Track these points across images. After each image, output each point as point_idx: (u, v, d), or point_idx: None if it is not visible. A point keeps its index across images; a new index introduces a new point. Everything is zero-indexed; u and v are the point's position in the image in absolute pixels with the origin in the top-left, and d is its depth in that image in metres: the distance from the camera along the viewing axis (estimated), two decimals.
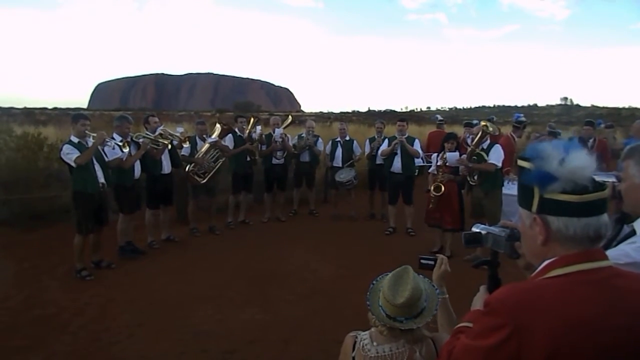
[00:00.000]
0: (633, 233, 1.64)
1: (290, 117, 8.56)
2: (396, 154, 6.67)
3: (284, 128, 7.66)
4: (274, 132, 7.41)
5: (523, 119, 8.19)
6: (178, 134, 6.24)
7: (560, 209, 1.04)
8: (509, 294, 1.05)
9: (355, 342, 1.73)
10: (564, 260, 1.06)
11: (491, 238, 1.39)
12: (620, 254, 1.53)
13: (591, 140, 7.03)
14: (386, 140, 6.97)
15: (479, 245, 1.44)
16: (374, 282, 1.81)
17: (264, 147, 7.40)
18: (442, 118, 10.94)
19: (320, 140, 7.97)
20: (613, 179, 1.89)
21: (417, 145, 6.81)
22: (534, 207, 1.09)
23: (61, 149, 4.95)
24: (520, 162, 1.12)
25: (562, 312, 0.98)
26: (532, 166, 1.06)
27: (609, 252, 1.53)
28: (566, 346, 0.95)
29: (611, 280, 1.04)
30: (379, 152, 6.94)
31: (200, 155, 6.54)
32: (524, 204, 1.13)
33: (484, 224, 1.47)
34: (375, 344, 1.68)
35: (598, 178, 1.33)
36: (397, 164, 6.72)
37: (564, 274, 1.05)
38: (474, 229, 1.44)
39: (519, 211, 1.16)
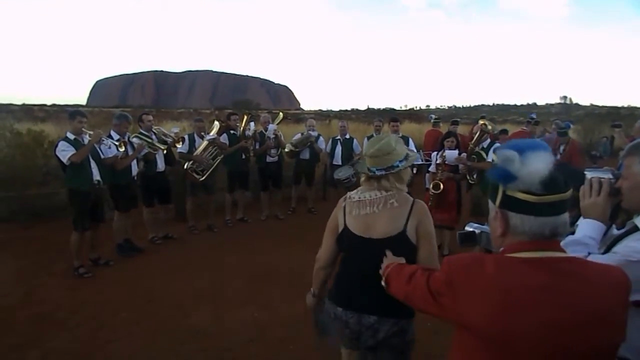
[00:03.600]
0: (634, 230, 1.61)
1: (281, 113, 8.51)
2: None
3: (277, 124, 7.64)
4: (265, 131, 7.39)
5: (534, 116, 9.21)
6: (172, 134, 6.23)
7: (519, 207, 1.13)
8: (460, 256, 1.21)
9: (345, 198, 2.13)
10: (514, 247, 1.16)
11: (485, 237, 1.40)
12: (629, 251, 1.51)
13: (564, 145, 7.42)
14: None
15: (473, 245, 1.44)
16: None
17: (258, 145, 7.38)
18: (437, 117, 10.93)
19: (322, 138, 7.95)
20: (609, 175, 1.88)
21: (411, 144, 6.82)
22: (497, 202, 1.18)
23: (57, 146, 4.91)
24: (492, 155, 1.20)
25: (500, 281, 1.09)
26: (499, 163, 1.14)
27: (617, 249, 1.52)
28: (499, 312, 1.05)
29: (561, 265, 1.11)
30: None
31: (198, 153, 6.53)
32: (491, 197, 1.23)
33: (479, 223, 1.48)
34: (359, 192, 2.10)
35: (593, 174, 1.38)
36: None
37: (514, 257, 1.14)
38: (468, 228, 1.46)
39: (489, 203, 1.25)
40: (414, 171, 7.25)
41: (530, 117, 9.57)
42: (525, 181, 1.10)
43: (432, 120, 10.59)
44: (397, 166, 2.01)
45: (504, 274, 1.09)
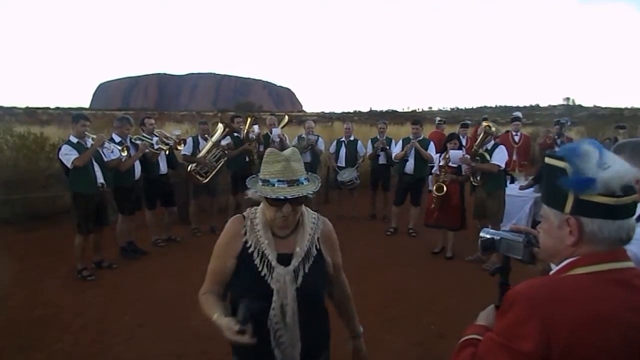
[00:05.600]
0: None
1: (286, 116, 8.52)
2: (408, 159, 6.69)
3: (282, 128, 7.64)
4: (270, 133, 7.39)
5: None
6: (174, 137, 6.24)
7: (596, 211, 1.03)
8: (531, 288, 1.04)
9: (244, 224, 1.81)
10: (588, 259, 1.05)
11: (504, 243, 1.34)
12: None
13: (561, 138, 7.93)
14: (400, 142, 6.96)
15: (493, 252, 1.39)
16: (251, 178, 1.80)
17: (261, 147, 7.37)
18: (440, 118, 10.94)
19: (321, 140, 7.94)
20: None
21: (431, 149, 6.77)
22: (567, 208, 1.06)
23: (60, 149, 4.93)
24: (552, 161, 1.09)
25: (584, 307, 0.98)
26: (569, 168, 1.04)
27: None
28: (585, 339, 0.96)
29: (634, 281, 1.04)
30: (393, 155, 6.96)
31: (202, 155, 6.54)
32: (554, 204, 1.10)
33: (494, 229, 1.43)
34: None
35: None
36: (409, 166, 6.73)
37: (588, 273, 1.04)
38: (484, 235, 1.39)
39: (544, 210, 1.14)
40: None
41: (514, 115, 9.24)
42: (605, 184, 1.01)
43: (436, 122, 10.60)
44: (301, 181, 1.69)
45: (593, 295, 1.00)
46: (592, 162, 1.02)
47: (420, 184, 6.94)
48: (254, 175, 1.75)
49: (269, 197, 1.60)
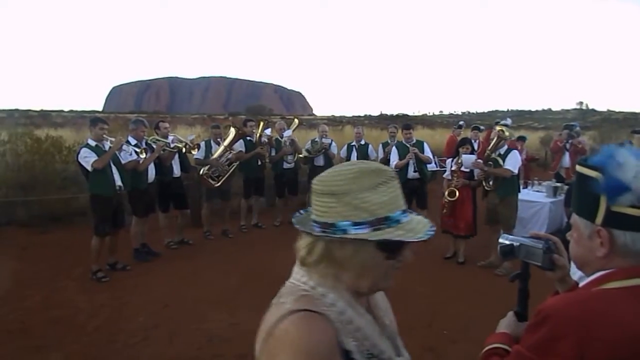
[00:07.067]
0: None
1: (296, 120, 8.58)
2: (415, 169, 6.69)
3: (292, 131, 7.69)
4: (281, 137, 7.44)
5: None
6: (188, 142, 6.33)
7: (630, 224, 0.99)
8: (566, 304, 1.01)
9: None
10: (624, 273, 1.01)
11: (524, 250, 1.33)
12: None
13: (570, 141, 8.20)
14: (395, 149, 6.87)
15: (512, 258, 1.38)
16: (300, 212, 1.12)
17: (273, 151, 7.42)
18: (461, 122, 10.94)
19: (334, 143, 7.97)
20: None
21: (427, 150, 6.77)
22: (599, 219, 1.02)
23: (78, 152, 5.03)
24: (584, 170, 1.06)
25: (622, 325, 0.93)
26: (602, 176, 1.00)
27: None
28: (625, 359, 0.92)
29: None
30: (393, 165, 6.93)
31: (214, 157, 6.61)
32: (585, 214, 1.06)
33: (513, 235, 1.42)
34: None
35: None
36: (411, 171, 6.71)
37: (623, 287, 0.99)
38: (503, 241, 1.39)
39: (574, 218, 1.11)
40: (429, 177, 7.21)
41: (503, 122, 9.02)
42: (638, 194, 0.96)
43: (455, 126, 10.59)
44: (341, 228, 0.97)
45: (631, 312, 0.95)
46: (629, 173, 0.96)
47: (424, 187, 6.92)
48: (301, 215, 1.11)
49: (410, 240, 1.00)
